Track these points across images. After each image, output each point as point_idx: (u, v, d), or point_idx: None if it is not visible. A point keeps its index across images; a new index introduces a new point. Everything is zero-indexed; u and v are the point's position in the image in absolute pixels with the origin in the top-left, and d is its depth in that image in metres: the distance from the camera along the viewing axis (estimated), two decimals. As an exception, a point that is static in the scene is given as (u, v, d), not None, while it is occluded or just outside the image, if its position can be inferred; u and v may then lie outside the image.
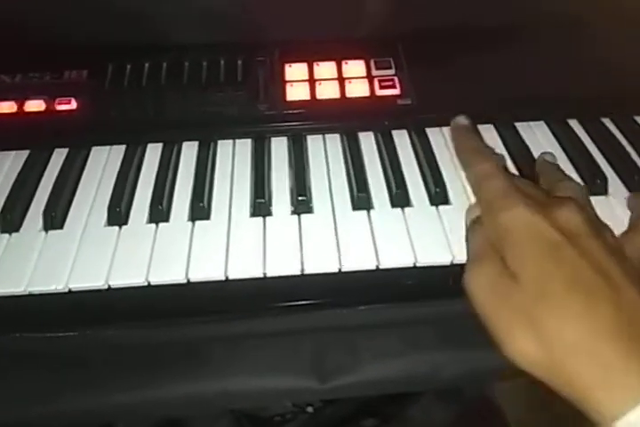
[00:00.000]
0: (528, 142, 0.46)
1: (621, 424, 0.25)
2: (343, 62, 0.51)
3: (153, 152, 0.47)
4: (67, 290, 0.36)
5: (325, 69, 0.51)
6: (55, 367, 0.39)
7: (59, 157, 0.46)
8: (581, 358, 0.27)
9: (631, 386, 0.26)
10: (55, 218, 0.40)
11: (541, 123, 0.48)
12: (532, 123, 0.48)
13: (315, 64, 0.51)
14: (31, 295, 0.36)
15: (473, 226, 0.35)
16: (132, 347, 0.39)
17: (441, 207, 0.40)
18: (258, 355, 0.39)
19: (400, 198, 0.41)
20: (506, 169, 0.38)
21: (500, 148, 0.46)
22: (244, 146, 0.47)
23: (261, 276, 0.37)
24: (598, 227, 0.33)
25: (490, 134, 0.47)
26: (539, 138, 0.47)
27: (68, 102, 0.48)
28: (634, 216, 0.39)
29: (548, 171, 0.41)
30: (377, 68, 0.50)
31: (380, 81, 0.49)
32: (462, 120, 0.42)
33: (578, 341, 0.28)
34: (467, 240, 0.35)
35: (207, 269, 0.37)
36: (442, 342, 0.39)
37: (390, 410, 0.74)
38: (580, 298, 0.28)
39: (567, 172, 0.44)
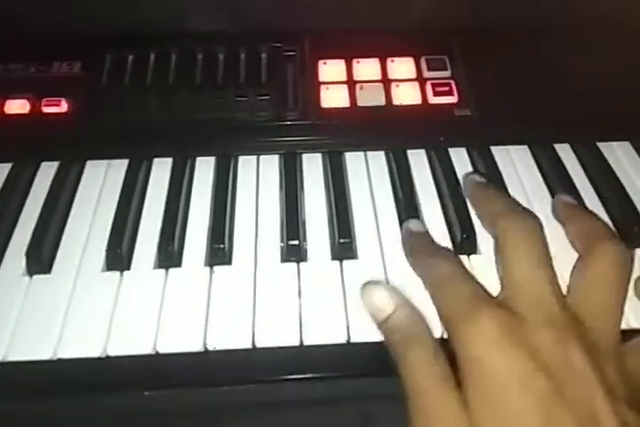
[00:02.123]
0: (612, 165, 0.39)
1: None
2: (388, 60, 0.42)
3: (160, 169, 0.39)
4: (55, 359, 0.29)
5: (367, 68, 0.42)
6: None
7: (46, 173, 0.38)
8: None
9: None
10: (41, 259, 0.33)
11: (627, 143, 0.40)
12: (614, 143, 0.40)
13: (355, 61, 0.42)
14: (10, 363, 0.29)
15: (409, 344, 0.26)
16: (133, 419, 0.32)
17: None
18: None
19: (466, 244, 0.33)
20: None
21: (578, 172, 0.38)
22: (270, 163, 0.39)
23: (297, 344, 0.30)
24: (603, 354, 0.25)
25: (566, 156, 0.39)
26: (623, 161, 0.39)
27: (58, 104, 0.40)
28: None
29: (576, 217, 0.32)
30: (429, 69, 0.42)
31: (433, 85, 0.41)
32: (415, 225, 0.33)
33: None
34: (399, 364, 0.26)
35: (230, 336, 0.29)
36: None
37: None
38: None
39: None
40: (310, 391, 0.31)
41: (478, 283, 0.28)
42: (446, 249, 0.32)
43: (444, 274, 0.29)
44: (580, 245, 0.31)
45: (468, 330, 0.25)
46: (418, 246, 0.32)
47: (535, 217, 0.30)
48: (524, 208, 0.32)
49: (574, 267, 0.30)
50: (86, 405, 0.30)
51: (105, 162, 0.39)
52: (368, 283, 0.30)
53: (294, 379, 0.30)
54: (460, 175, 0.38)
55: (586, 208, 0.34)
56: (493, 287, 0.29)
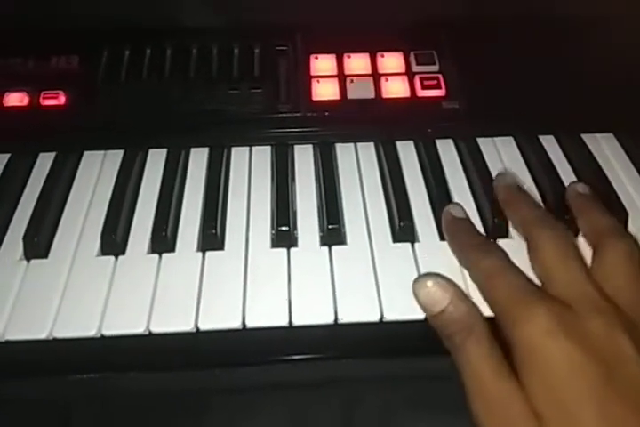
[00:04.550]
0: (596, 157, 0.40)
1: None
2: (378, 55, 0.44)
3: (155, 160, 0.40)
4: (51, 338, 0.30)
5: (358, 63, 0.43)
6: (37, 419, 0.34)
7: (44, 163, 0.39)
8: None
9: None
10: (38, 244, 0.34)
11: (610, 135, 0.41)
12: (598, 135, 0.41)
13: (345, 56, 0.44)
14: (8, 342, 0.30)
15: (468, 335, 0.27)
16: (126, 400, 0.33)
17: (501, 242, 0.34)
18: (277, 410, 0.33)
19: (451, 229, 0.34)
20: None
21: (562, 163, 0.39)
22: (263, 154, 0.40)
23: (286, 325, 0.31)
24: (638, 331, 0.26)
25: (551, 147, 0.40)
26: (606, 152, 0.40)
27: (56, 96, 0.41)
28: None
29: (587, 211, 0.33)
30: (418, 63, 0.43)
31: (421, 79, 0.42)
32: (457, 211, 0.34)
33: None
34: (458, 355, 0.27)
35: (221, 317, 0.30)
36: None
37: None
38: None
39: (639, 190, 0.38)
40: (298, 372, 0.32)
41: (525, 275, 0.29)
42: (490, 241, 0.33)
43: (494, 266, 0.29)
44: (592, 240, 0.32)
45: (524, 322, 0.25)
46: (462, 236, 0.33)
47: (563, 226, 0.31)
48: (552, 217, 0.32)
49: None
50: (80, 384, 0.31)
51: (101, 152, 0.40)
52: (421, 275, 0.30)
53: (283, 360, 0.31)
54: (445, 166, 0.39)
55: (596, 199, 0.34)
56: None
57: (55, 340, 0.30)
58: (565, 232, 0.31)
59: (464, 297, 0.28)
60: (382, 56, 0.44)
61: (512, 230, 0.34)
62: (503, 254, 0.30)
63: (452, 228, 0.33)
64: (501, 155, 0.40)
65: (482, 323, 0.27)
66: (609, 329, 0.25)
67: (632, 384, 0.24)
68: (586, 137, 0.41)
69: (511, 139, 0.41)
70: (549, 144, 0.40)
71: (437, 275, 0.30)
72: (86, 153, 0.40)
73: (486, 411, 0.25)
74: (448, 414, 0.34)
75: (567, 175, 0.39)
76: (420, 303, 0.29)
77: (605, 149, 0.41)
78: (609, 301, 0.27)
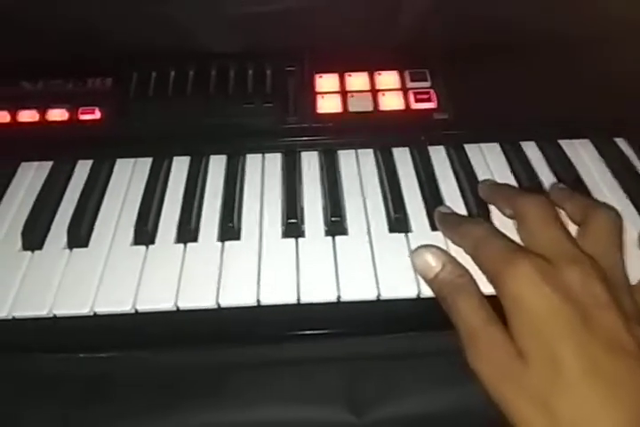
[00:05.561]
0: (573, 160, 0.44)
1: None
2: (376, 73, 0.49)
3: (180, 166, 0.45)
4: (92, 314, 0.35)
5: (358, 80, 0.49)
6: (75, 391, 0.38)
7: (82, 169, 0.45)
8: None
9: None
10: (80, 235, 0.39)
11: (587, 141, 0.46)
12: (576, 140, 0.46)
13: (346, 75, 0.49)
14: (55, 317, 0.35)
15: (458, 293, 0.31)
16: (155, 372, 0.37)
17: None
18: (288, 383, 0.37)
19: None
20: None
21: (542, 166, 0.44)
22: (274, 160, 0.45)
23: (295, 302, 0.35)
24: (617, 288, 0.29)
25: (532, 152, 0.45)
26: (583, 156, 0.45)
27: (92, 112, 0.47)
28: None
29: (570, 197, 0.37)
30: (412, 80, 0.48)
31: (415, 94, 0.47)
32: (445, 209, 0.39)
33: None
34: (451, 312, 0.31)
35: (238, 294, 0.35)
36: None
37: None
38: (598, 386, 0.26)
39: (614, 192, 0.42)
40: (304, 346, 0.36)
41: (510, 238, 0.33)
42: (473, 218, 0.37)
43: (480, 235, 0.33)
44: (578, 217, 0.35)
45: (510, 275, 0.29)
46: (448, 221, 0.37)
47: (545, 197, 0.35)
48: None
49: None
50: (125, 357, 0.36)
51: (132, 160, 0.45)
52: (418, 247, 0.35)
53: (292, 335, 0.35)
54: (436, 169, 0.44)
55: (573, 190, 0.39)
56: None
57: (96, 316, 0.35)
58: (548, 200, 0.34)
59: (455, 262, 0.33)
60: (380, 74, 0.49)
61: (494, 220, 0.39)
62: (489, 224, 0.35)
63: (441, 218, 0.38)
64: (487, 159, 0.45)
65: (470, 282, 0.32)
66: (585, 278, 0.29)
67: (606, 327, 0.27)
68: (563, 142, 0.46)
69: (496, 144, 0.46)
70: (530, 148, 0.45)
71: (432, 246, 0.34)
72: (119, 160, 0.45)
73: (478, 355, 0.29)
74: (447, 387, 0.37)
75: (545, 175, 0.43)
76: (417, 270, 0.34)
77: (582, 153, 0.45)
78: (584, 252, 0.30)
